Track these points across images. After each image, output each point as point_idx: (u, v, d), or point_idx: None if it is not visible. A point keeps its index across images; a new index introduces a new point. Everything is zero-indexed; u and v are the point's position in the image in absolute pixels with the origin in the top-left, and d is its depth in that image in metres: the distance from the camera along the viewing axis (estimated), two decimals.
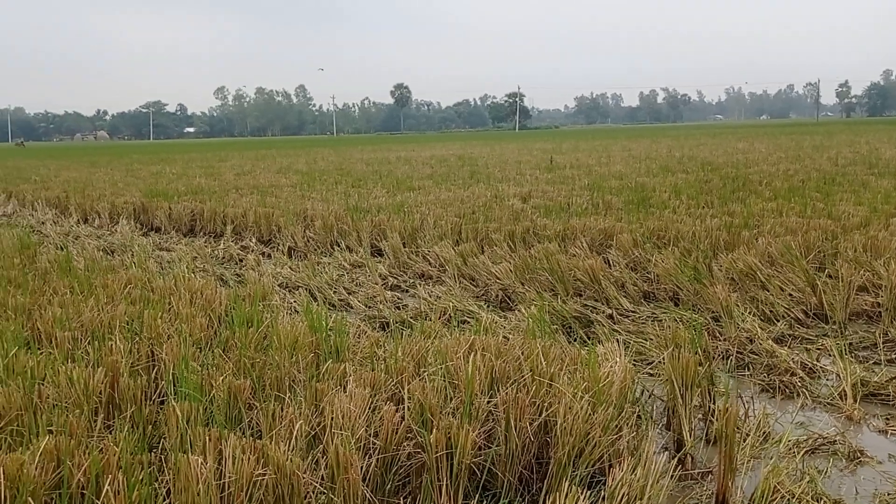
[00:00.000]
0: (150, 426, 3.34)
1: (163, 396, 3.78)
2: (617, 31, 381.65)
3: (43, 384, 3.55)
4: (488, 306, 6.06)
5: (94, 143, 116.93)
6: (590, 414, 3.09)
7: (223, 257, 9.05)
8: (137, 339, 4.32)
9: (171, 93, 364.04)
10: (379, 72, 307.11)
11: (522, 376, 3.51)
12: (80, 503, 2.52)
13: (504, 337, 4.31)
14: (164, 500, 2.61)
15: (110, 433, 3.14)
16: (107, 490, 2.45)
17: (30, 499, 2.52)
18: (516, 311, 5.70)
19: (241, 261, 8.75)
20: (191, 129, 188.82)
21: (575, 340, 4.94)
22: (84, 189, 16.10)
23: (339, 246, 8.93)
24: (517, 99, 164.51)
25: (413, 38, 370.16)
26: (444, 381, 3.39)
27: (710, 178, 14.08)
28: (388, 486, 2.87)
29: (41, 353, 4.07)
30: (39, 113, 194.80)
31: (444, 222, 8.96)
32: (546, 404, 3.23)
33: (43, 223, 12.66)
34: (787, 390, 4.25)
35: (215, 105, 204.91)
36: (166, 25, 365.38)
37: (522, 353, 3.77)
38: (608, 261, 6.78)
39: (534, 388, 3.33)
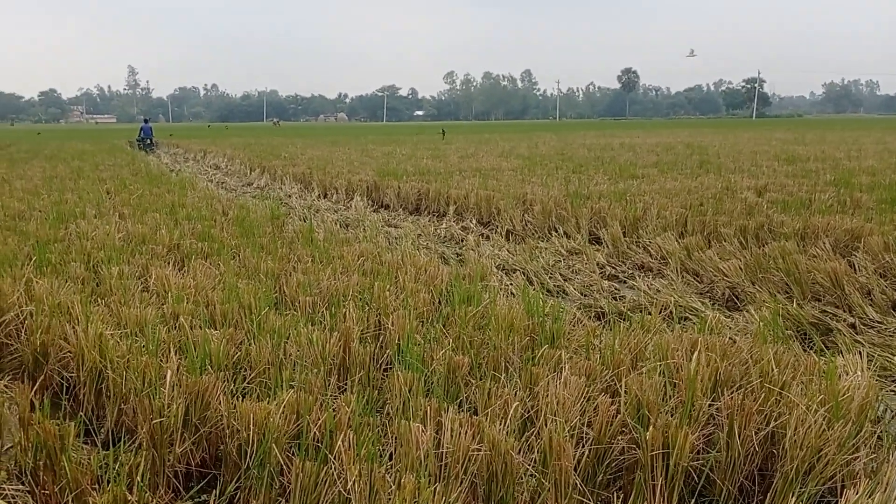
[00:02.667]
0: (375, 391, 3.58)
1: (387, 364, 4.03)
2: (875, 6, 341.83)
3: (287, 343, 3.92)
4: (713, 304, 5.76)
5: (335, 124, 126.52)
6: (824, 429, 2.85)
7: (445, 236, 9.41)
8: (367, 308, 4.62)
9: (404, 77, 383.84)
10: (606, 56, 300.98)
11: (749, 382, 3.31)
12: (314, 454, 2.76)
13: (731, 339, 4.07)
14: (388, 461, 2.79)
15: (342, 394, 3.40)
16: (339, 445, 2.67)
17: (273, 445, 2.81)
18: (744, 312, 5.37)
19: (461, 241, 9.04)
20: (420, 112, 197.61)
21: (811, 349, 4.55)
22: (325, 167, 17.45)
23: (556, 231, 8.93)
24: (756, 84, 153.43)
25: (643, 21, 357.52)
26: (664, 378, 3.28)
27: None
28: (600, 477, 2.84)
29: (286, 315, 4.50)
30: (290, 95, 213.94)
31: (668, 213, 8.62)
32: (775, 414, 3.03)
33: (290, 196, 13.93)
34: None
35: (444, 89, 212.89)
36: (403, 12, 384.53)
37: (751, 358, 3.55)
38: (853, 265, 6.15)
39: (762, 396, 3.13)
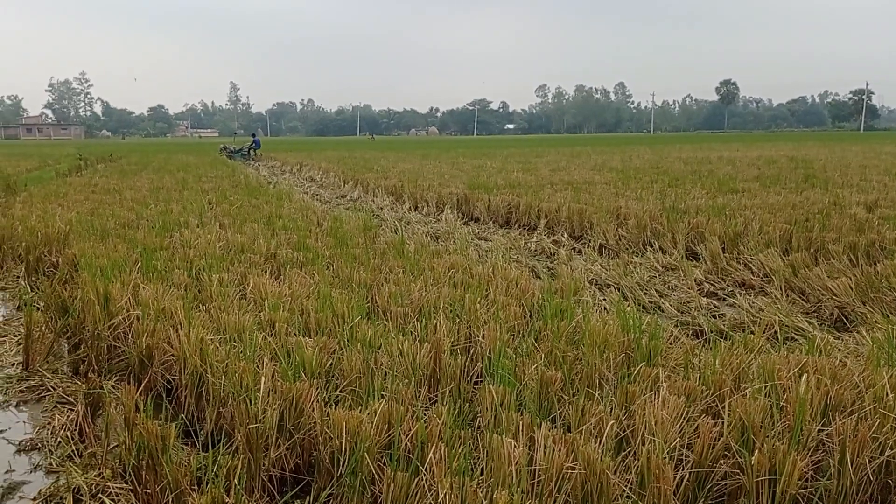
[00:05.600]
0: (466, 404, 3.54)
1: (477, 377, 3.99)
2: None
3: (378, 352, 3.94)
4: (820, 325, 5.46)
5: (426, 138, 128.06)
6: None
7: (535, 250, 9.31)
8: (458, 320, 4.60)
9: (495, 91, 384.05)
10: (703, 68, 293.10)
11: (862, 407, 3.11)
12: (406, 465, 2.75)
13: (841, 361, 3.84)
14: (479, 475, 2.75)
15: (433, 405, 3.38)
16: (430, 457, 2.65)
17: (365, 454, 2.81)
18: (855, 333, 5.06)
19: (552, 254, 8.92)
20: (510, 126, 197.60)
21: None
22: (416, 179, 17.63)
23: (651, 246, 8.70)
24: (864, 96, 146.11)
25: (744, 32, 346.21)
26: (770, 400, 3.11)
27: None
28: (700, 502, 2.71)
29: (378, 325, 4.53)
30: (383, 110, 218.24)
31: (770, 228, 8.27)
32: (890, 442, 2.82)
33: (381, 208, 14.12)
34: None
35: (535, 102, 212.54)
36: (496, 27, 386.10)
37: (863, 382, 3.34)
38: None
39: (876, 422, 2.93)
